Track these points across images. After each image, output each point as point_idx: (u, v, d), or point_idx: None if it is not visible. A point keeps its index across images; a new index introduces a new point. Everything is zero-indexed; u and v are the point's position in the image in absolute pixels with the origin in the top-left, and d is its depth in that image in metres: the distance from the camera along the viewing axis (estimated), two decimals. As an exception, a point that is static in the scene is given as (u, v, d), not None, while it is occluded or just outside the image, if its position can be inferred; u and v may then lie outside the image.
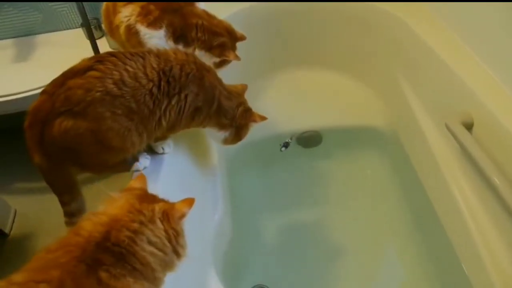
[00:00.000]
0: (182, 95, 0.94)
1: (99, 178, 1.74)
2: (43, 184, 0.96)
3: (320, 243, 1.44)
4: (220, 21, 1.14)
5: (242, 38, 1.18)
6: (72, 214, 0.99)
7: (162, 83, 0.91)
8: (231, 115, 1.07)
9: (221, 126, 1.08)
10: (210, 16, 1.13)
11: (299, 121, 1.64)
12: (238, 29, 1.19)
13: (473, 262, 1.12)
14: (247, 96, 1.14)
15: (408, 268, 1.37)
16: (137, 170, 1.03)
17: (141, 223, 0.65)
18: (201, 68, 0.99)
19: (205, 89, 0.99)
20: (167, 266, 0.68)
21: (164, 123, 0.94)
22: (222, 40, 1.11)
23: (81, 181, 1.68)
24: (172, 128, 0.98)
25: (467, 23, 1.25)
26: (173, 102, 0.93)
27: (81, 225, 0.63)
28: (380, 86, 1.66)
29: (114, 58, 0.88)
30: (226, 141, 1.13)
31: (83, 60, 0.89)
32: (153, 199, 0.73)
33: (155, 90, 0.90)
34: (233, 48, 1.15)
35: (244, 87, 1.14)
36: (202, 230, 1.13)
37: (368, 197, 1.56)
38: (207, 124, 1.06)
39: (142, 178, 0.80)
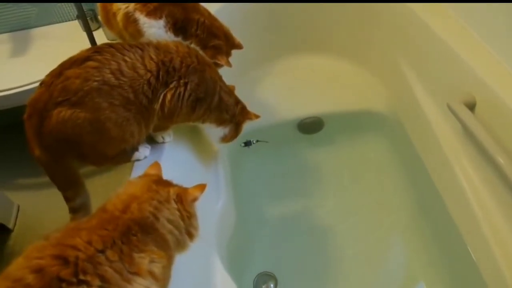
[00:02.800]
0: (182, 82, 0.94)
1: (101, 172, 1.74)
2: (46, 179, 0.95)
3: (324, 229, 1.44)
4: (221, 25, 1.14)
5: (239, 46, 1.18)
6: (77, 210, 0.98)
7: (161, 73, 0.91)
8: (232, 111, 1.09)
9: (221, 122, 1.09)
10: (212, 17, 1.13)
11: (300, 107, 1.62)
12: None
13: (479, 243, 1.11)
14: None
15: (412, 252, 1.37)
16: (138, 160, 1.03)
17: (159, 201, 0.70)
18: (203, 62, 1.00)
19: (206, 81, 0.99)
20: (180, 245, 0.74)
21: (158, 108, 0.93)
22: (218, 43, 1.11)
23: (83, 175, 1.68)
24: (171, 117, 0.97)
25: (468, 3, 1.23)
26: (171, 86, 0.93)
27: (106, 205, 0.69)
28: (380, 69, 1.65)
29: (112, 49, 0.88)
30: (224, 139, 1.14)
31: (82, 51, 0.89)
32: (168, 184, 0.77)
33: (153, 80, 0.90)
34: (228, 54, 1.15)
35: (233, 88, 1.15)
36: (205, 218, 1.12)
37: (371, 181, 1.56)
38: (207, 118, 1.06)
39: (157, 165, 0.83)
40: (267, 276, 1.31)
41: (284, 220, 1.48)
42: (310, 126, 1.64)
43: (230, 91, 1.09)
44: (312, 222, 1.46)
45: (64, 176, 0.96)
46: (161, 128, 1.06)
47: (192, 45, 1.08)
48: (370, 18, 1.56)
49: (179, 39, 1.07)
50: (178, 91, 0.94)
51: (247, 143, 1.44)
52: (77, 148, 0.91)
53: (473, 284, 1.17)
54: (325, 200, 1.51)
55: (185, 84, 0.95)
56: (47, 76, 0.87)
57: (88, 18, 1.44)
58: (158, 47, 0.94)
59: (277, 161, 1.65)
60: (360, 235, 1.41)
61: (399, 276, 1.33)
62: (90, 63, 0.86)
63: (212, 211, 1.18)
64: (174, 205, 0.72)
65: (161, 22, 1.03)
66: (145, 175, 0.79)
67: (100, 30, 1.64)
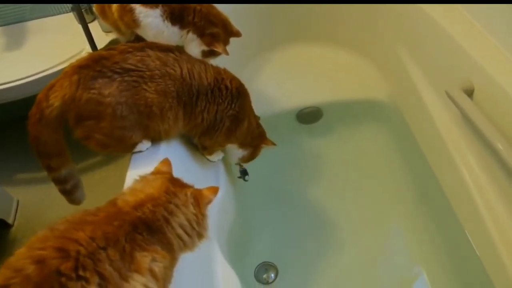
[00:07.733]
0: (229, 100, 1.04)
1: (100, 165, 1.74)
2: (45, 173, 0.93)
3: (324, 219, 1.44)
4: (219, 13, 1.13)
5: (237, 34, 1.18)
6: (64, 180, 0.95)
7: (215, 88, 1.01)
8: (254, 134, 1.17)
9: (243, 144, 1.17)
10: (209, 5, 1.12)
11: (299, 97, 1.62)
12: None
13: (479, 231, 1.12)
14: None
15: (414, 241, 1.38)
16: (139, 151, 1.02)
17: (177, 205, 0.70)
18: (243, 87, 1.09)
19: (246, 104, 1.10)
20: (188, 248, 0.73)
21: (202, 118, 1.02)
22: (216, 31, 1.10)
23: (82, 169, 1.67)
24: (211, 132, 1.07)
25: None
26: (220, 101, 1.02)
27: (117, 199, 0.69)
28: (379, 58, 1.64)
29: (184, 52, 0.98)
30: (242, 159, 1.23)
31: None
32: (181, 183, 0.77)
33: (209, 92, 1.00)
34: (225, 42, 1.15)
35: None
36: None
37: (371, 170, 1.56)
38: (235, 140, 1.14)
39: (168, 162, 0.82)
40: (268, 266, 1.32)
41: (284, 210, 1.48)
42: (309, 116, 1.64)
43: (256, 116, 1.17)
44: (312, 211, 1.46)
45: (54, 141, 0.90)
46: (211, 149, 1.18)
47: (190, 33, 1.08)
48: (370, 7, 1.55)
49: (176, 28, 1.06)
50: (223, 107, 1.03)
51: (243, 172, 1.35)
52: (101, 122, 0.88)
53: (473, 271, 1.17)
54: (325, 190, 1.51)
55: (233, 103, 1.04)
56: (122, 45, 0.90)
57: (83, 10, 1.43)
58: (213, 67, 1.03)
59: (275, 151, 1.63)
60: (360, 225, 1.41)
61: (400, 265, 1.34)
62: (171, 54, 0.93)
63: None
64: (192, 209, 0.72)
65: (158, 11, 1.02)
66: (159, 172, 0.78)
67: (96, 22, 1.63)
